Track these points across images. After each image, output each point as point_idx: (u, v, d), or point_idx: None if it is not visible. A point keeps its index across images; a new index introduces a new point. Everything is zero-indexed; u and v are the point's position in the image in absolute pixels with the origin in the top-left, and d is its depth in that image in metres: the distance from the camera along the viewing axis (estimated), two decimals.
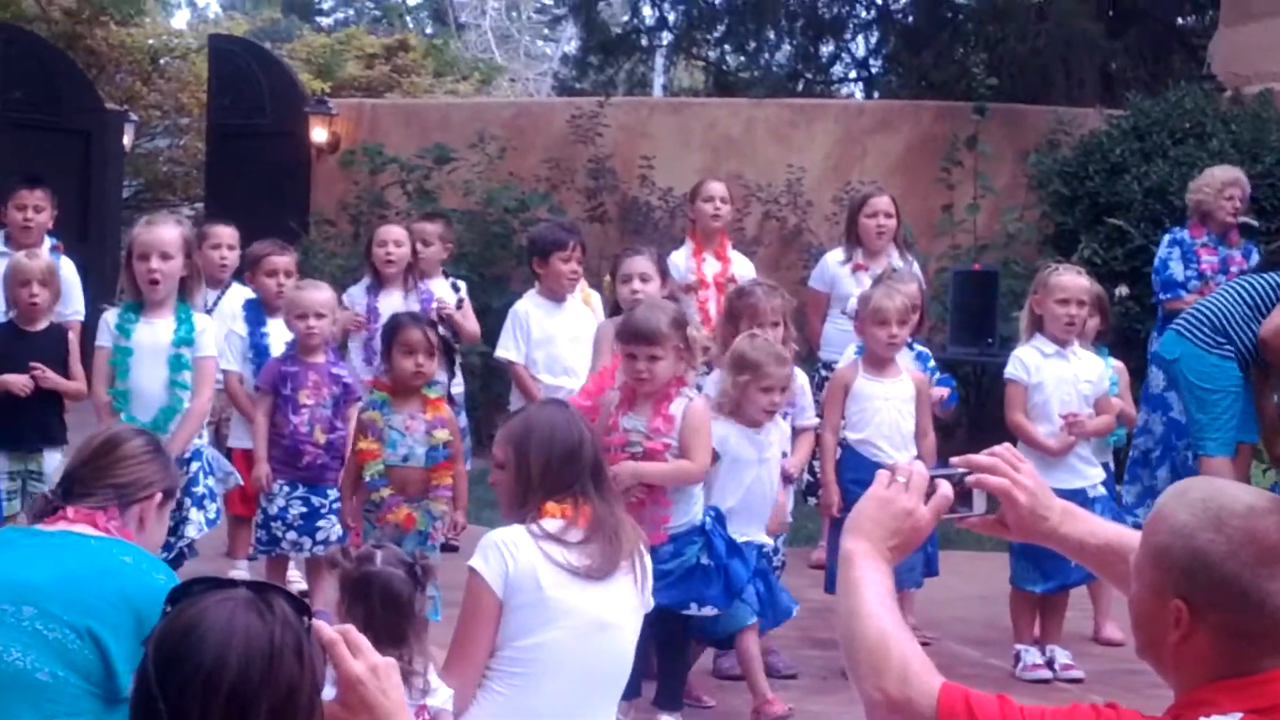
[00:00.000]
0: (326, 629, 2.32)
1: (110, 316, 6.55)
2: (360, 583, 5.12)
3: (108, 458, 3.88)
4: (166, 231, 6.54)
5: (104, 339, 6.51)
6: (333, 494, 6.90)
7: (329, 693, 2.33)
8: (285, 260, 7.91)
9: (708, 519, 6.07)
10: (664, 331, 5.77)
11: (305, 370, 6.99)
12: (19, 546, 3.80)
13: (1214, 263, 8.97)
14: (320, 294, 7.13)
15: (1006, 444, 2.93)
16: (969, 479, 2.79)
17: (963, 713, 2.42)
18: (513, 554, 4.23)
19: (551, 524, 4.27)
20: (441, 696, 5.17)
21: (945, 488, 2.71)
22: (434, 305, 8.15)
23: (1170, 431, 8.77)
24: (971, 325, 10.88)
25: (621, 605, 4.35)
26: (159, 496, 3.96)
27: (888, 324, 6.82)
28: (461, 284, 8.78)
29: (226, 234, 8.31)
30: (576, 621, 4.23)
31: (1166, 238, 9.23)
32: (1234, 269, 8.95)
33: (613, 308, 7.40)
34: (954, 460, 2.82)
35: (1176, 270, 8.99)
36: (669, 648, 6.03)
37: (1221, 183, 9.03)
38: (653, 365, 5.77)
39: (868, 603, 2.57)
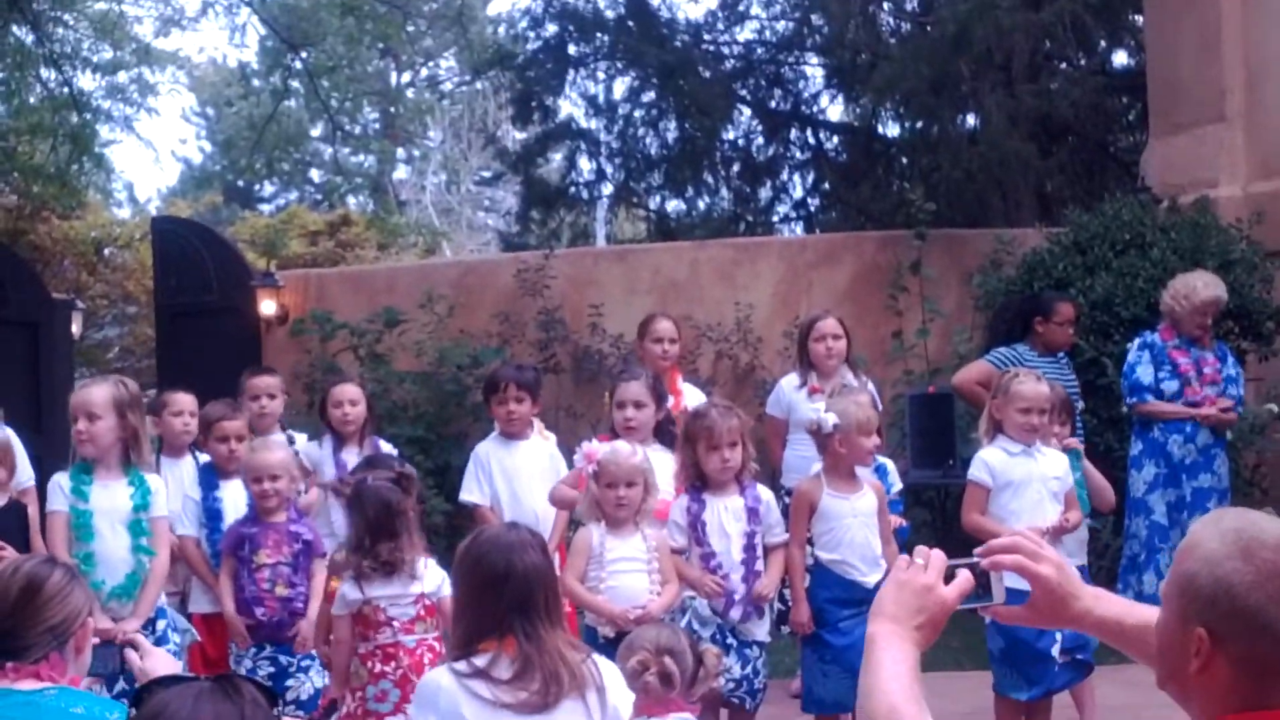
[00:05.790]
0: None
1: (63, 480, 6.46)
2: (355, 495, 5.84)
3: (34, 602, 3.78)
4: (94, 393, 6.43)
5: (58, 503, 6.42)
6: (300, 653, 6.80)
7: None
8: (236, 425, 7.77)
9: None
10: None
11: (265, 530, 6.92)
12: None
13: (1188, 364, 8.93)
14: (275, 455, 7.04)
15: (1026, 528, 2.90)
16: (984, 563, 2.76)
17: None
18: (434, 698, 4.09)
19: (480, 659, 4.10)
20: (431, 581, 5.76)
21: (965, 573, 2.69)
22: None
23: (1153, 535, 8.76)
24: (932, 448, 10.85)
25: None
26: (90, 622, 3.90)
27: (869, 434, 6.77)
28: (298, 435, 8.53)
29: (186, 401, 8.16)
30: None
31: (1137, 341, 9.16)
32: (1207, 370, 8.93)
33: (610, 431, 7.37)
34: (976, 550, 2.78)
35: (1144, 374, 8.93)
36: None
37: (1202, 301, 8.92)
38: None
39: (882, 679, 2.55)
